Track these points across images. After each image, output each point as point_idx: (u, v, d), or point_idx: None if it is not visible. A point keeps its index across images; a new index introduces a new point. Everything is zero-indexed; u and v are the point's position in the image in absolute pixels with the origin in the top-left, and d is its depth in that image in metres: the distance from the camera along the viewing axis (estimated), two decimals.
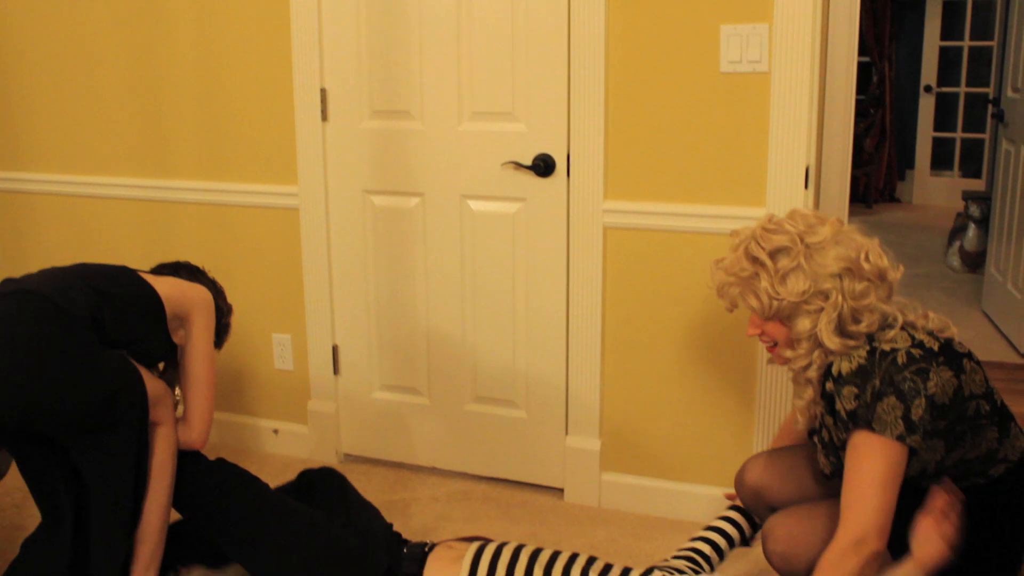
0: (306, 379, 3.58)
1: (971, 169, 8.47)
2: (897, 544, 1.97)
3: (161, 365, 2.71)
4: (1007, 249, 4.87)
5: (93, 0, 3.55)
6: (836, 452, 2.09)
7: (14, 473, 2.89)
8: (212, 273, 2.79)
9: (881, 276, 2.05)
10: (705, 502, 3.03)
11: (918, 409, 1.91)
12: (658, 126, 2.90)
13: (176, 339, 2.56)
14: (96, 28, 3.58)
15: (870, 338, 2.02)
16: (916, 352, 1.97)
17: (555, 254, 3.10)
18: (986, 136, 8.22)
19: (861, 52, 5.29)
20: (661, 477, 3.14)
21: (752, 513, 2.44)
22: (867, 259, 2.04)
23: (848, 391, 1.96)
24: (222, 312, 2.73)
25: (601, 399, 3.14)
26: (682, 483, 3.11)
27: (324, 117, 3.30)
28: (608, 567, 2.30)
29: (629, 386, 3.11)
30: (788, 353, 2.12)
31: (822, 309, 2.02)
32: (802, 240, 2.04)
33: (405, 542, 2.53)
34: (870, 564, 1.90)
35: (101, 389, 2.24)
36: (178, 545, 2.58)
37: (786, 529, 2.16)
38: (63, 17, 3.63)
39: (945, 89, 8.44)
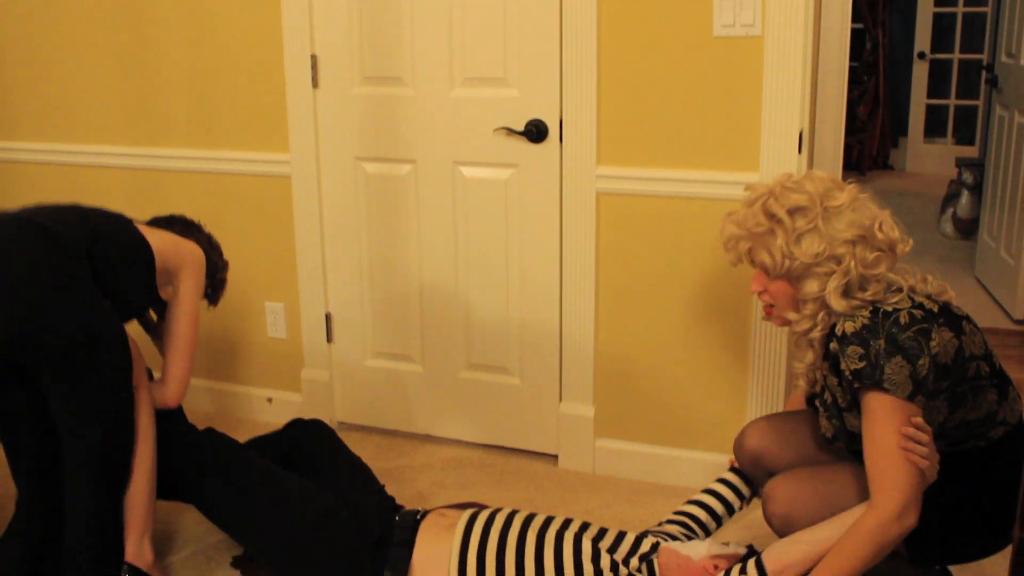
0: (299, 347, 3.58)
1: (965, 136, 8.45)
2: None
3: (154, 316, 2.70)
4: (1000, 216, 4.87)
5: None
6: (839, 415, 2.09)
7: None
8: (207, 226, 2.77)
9: (891, 247, 2.06)
10: (699, 468, 3.04)
11: (923, 368, 1.92)
12: (651, 91, 2.88)
13: (163, 294, 2.53)
14: None
15: (873, 303, 2.02)
16: (917, 313, 1.97)
17: (548, 220, 3.09)
18: (980, 103, 8.20)
19: (855, 18, 5.25)
20: (655, 443, 3.15)
21: (751, 478, 2.44)
22: (880, 229, 2.04)
23: (853, 351, 1.96)
24: (217, 268, 2.71)
25: (595, 366, 3.15)
26: (676, 449, 3.12)
27: (315, 84, 3.28)
28: (602, 532, 2.31)
29: (623, 353, 3.11)
30: (791, 315, 2.11)
31: (832, 273, 2.01)
32: (821, 202, 2.03)
33: (397, 508, 2.53)
34: (906, 532, 1.94)
35: (87, 326, 2.21)
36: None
37: (787, 491, 2.16)
38: None
39: (939, 56, 8.41)
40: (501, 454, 3.37)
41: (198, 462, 2.52)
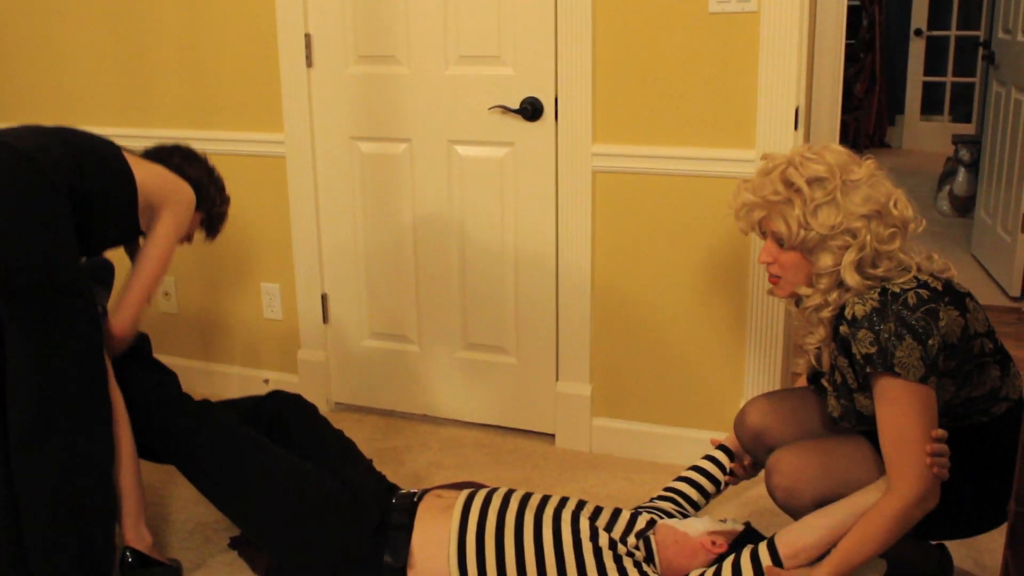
0: (295, 328, 3.57)
1: (961, 113, 8.44)
2: None
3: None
4: (997, 193, 4.86)
5: None
6: (849, 395, 2.09)
7: None
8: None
9: (905, 225, 2.05)
10: (696, 446, 3.04)
11: (933, 348, 1.93)
12: (646, 68, 2.87)
13: (144, 228, 2.47)
14: None
15: (883, 280, 2.02)
16: (924, 293, 1.97)
17: (544, 199, 3.08)
18: (976, 80, 8.18)
19: None
20: (651, 422, 3.15)
21: (751, 455, 2.44)
22: (896, 206, 2.03)
23: (863, 335, 1.96)
24: (214, 202, 2.64)
25: (591, 345, 3.14)
26: (672, 427, 3.12)
27: (309, 63, 3.26)
28: (598, 511, 2.30)
29: (619, 331, 3.11)
30: (804, 290, 2.10)
31: (847, 247, 2.01)
32: (840, 175, 2.02)
33: (392, 488, 2.52)
34: (926, 514, 1.96)
35: (57, 269, 2.16)
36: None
37: (792, 464, 2.15)
38: None
39: (935, 33, 8.38)
40: (498, 433, 3.37)
41: (196, 445, 2.48)
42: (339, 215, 3.38)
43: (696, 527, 2.22)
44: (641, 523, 2.26)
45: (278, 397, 2.76)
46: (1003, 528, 2.02)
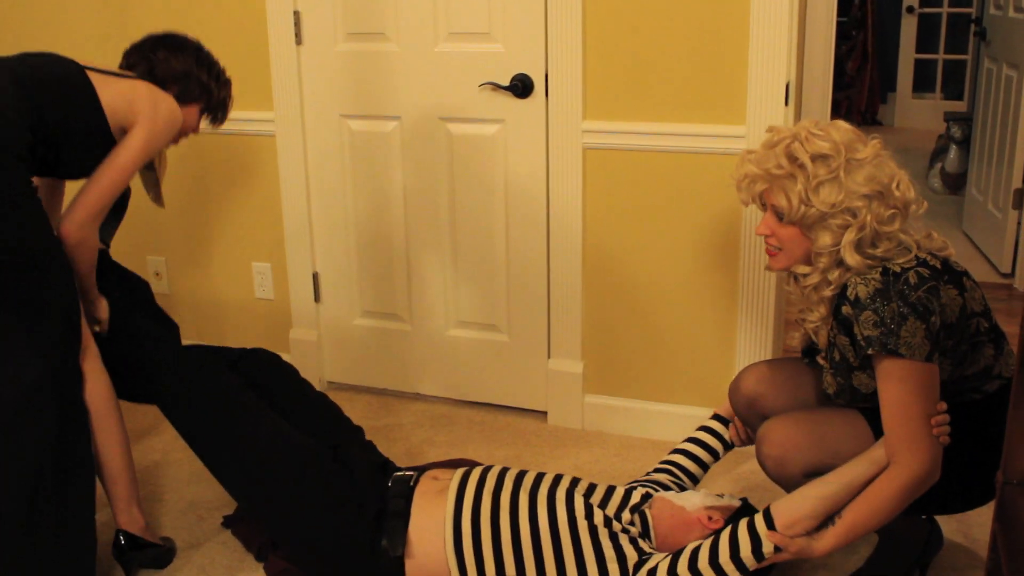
0: (287, 308, 3.57)
1: (953, 91, 8.42)
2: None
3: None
4: (988, 170, 4.87)
5: None
6: (847, 373, 2.09)
7: None
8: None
9: (906, 206, 2.05)
10: (688, 422, 3.04)
11: (935, 325, 1.94)
12: (636, 44, 2.86)
13: None
14: None
15: (883, 260, 2.02)
16: (924, 271, 1.98)
17: (535, 176, 3.07)
18: (968, 57, 8.17)
19: None
20: (643, 398, 3.16)
21: (744, 422, 2.44)
22: (898, 187, 2.03)
23: (867, 316, 1.96)
24: (209, 90, 2.53)
25: (583, 322, 3.14)
26: (664, 404, 3.13)
27: (298, 40, 3.24)
28: (592, 487, 2.31)
29: (610, 308, 3.11)
30: (802, 268, 2.10)
31: (848, 226, 2.00)
32: (845, 153, 2.01)
33: (385, 464, 2.52)
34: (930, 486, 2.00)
35: (25, 243, 2.11)
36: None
37: (782, 434, 2.15)
38: None
39: (927, 10, 8.36)
40: (490, 411, 3.37)
41: (205, 421, 2.41)
42: (330, 194, 3.37)
43: (693, 501, 2.23)
44: (636, 497, 2.26)
45: (257, 355, 2.66)
46: (993, 503, 2.03)
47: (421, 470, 2.44)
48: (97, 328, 2.44)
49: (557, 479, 2.31)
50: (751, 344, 2.96)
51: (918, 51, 8.49)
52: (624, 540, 2.15)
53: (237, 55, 3.32)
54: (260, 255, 3.56)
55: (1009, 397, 2.06)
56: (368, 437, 2.69)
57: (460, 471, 2.37)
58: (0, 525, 2.13)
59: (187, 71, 2.48)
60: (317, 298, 3.51)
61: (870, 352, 1.97)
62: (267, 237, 3.52)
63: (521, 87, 2.99)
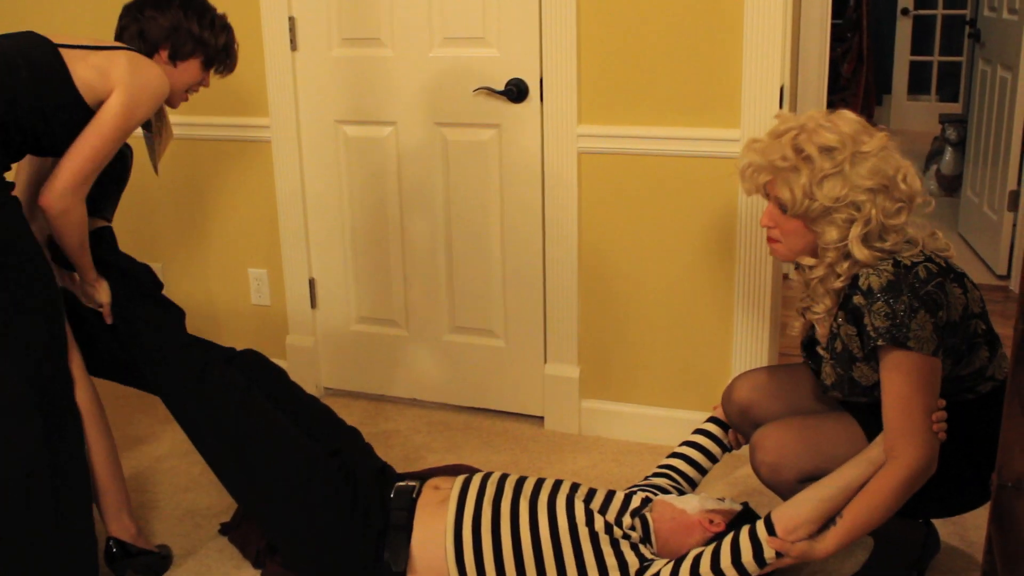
0: (283, 314, 3.57)
1: (948, 93, 8.43)
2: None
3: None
4: (983, 171, 4.87)
5: None
6: (848, 364, 2.08)
7: None
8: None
9: (911, 199, 2.04)
10: (684, 426, 3.04)
11: (941, 322, 1.94)
12: (631, 48, 2.86)
13: None
14: None
15: (892, 253, 2.02)
16: (932, 267, 1.98)
17: (530, 180, 3.08)
18: (963, 59, 8.17)
19: None
20: (640, 403, 3.16)
21: (737, 430, 2.44)
22: (904, 180, 2.02)
23: (879, 307, 1.95)
24: (203, 40, 2.42)
25: (579, 326, 3.14)
26: (661, 408, 3.13)
27: (293, 46, 3.25)
28: (591, 493, 2.31)
29: (607, 313, 3.11)
30: (807, 260, 2.09)
31: (853, 220, 1.99)
32: (852, 145, 2.00)
33: (384, 469, 2.51)
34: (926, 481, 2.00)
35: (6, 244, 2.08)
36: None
37: (776, 440, 2.15)
38: None
39: (922, 12, 8.37)
40: (487, 416, 3.37)
41: (186, 389, 2.38)
42: (326, 199, 3.37)
43: (694, 504, 2.22)
44: (636, 501, 2.26)
45: (246, 359, 2.59)
46: (988, 505, 2.03)
47: (423, 479, 2.43)
48: (100, 309, 2.42)
49: (557, 485, 2.31)
50: (747, 348, 2.96)
51: (913, 53, 8.49)
52: (625, 546, 2.15)
53: None
54: (256, 261, 3.56)
55: (1001, 398, 2.08)
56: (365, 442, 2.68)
57: (460, 479, 2.36)
58: None
59: (175, 24, 2.37)
60: (313, 304, 3.50)
61: (879, 343, 1.96)
62: (263, 243, 3.51)
63: (516, 92, 2.99)
